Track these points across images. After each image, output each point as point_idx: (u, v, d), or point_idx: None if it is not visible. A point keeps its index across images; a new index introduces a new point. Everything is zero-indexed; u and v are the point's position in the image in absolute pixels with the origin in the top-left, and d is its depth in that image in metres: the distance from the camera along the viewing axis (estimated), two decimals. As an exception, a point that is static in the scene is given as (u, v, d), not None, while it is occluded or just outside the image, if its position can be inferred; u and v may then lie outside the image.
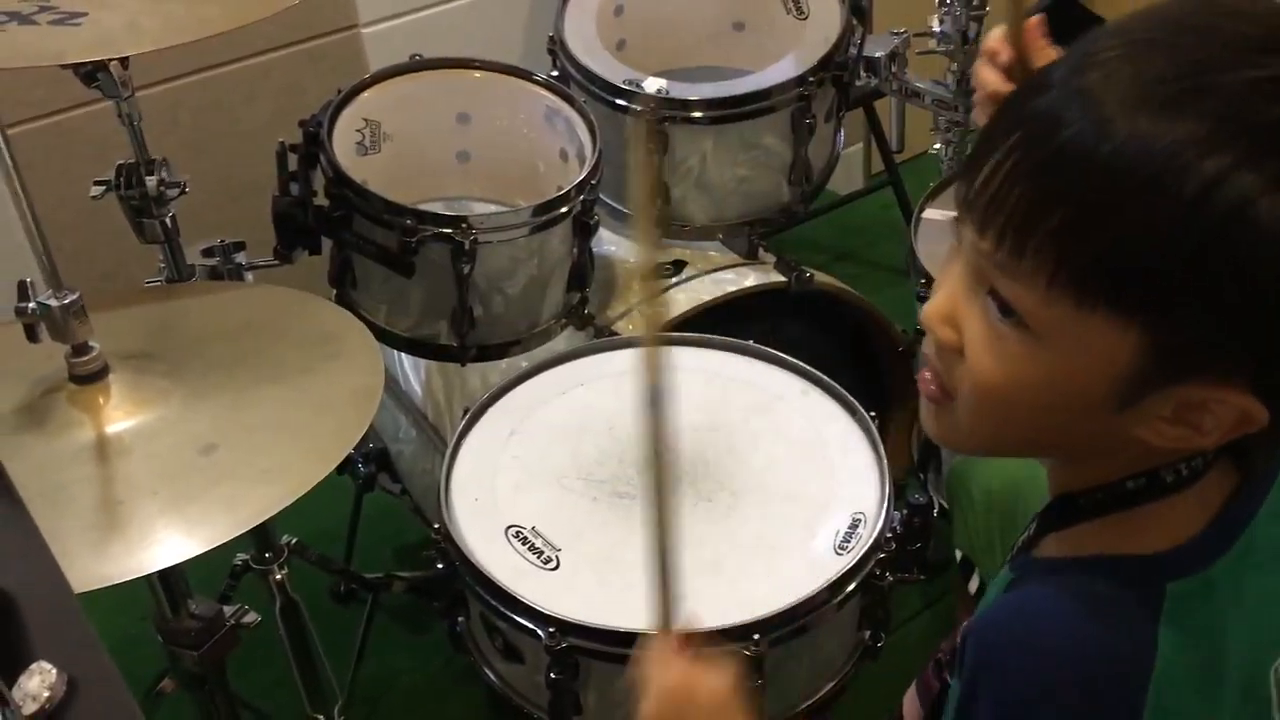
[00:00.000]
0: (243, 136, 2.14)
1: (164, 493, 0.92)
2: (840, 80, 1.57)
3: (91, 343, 0.96)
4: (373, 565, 1.93)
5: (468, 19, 2.35)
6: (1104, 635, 0.68)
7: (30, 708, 0.62)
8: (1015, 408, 0.69)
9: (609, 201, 1.64)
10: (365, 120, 1.45)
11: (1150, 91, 0.60)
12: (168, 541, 0.90)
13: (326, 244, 1.46)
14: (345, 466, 1.87)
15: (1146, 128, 0.59)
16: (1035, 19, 0.93)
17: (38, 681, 0.63)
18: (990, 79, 0.92)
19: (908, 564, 1.24)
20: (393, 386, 1.79)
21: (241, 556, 1.60)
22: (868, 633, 1.22)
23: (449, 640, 1.26)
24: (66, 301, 0.92)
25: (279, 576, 1.53)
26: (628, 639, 1.08)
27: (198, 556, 1.13)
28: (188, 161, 2.11)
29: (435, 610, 1.27)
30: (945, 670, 1.00)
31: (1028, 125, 0.63)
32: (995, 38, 0.94)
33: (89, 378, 0.96)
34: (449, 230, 1.34)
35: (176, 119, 2.11)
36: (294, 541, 1.61)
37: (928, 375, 0.73)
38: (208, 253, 1.45)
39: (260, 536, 1.55)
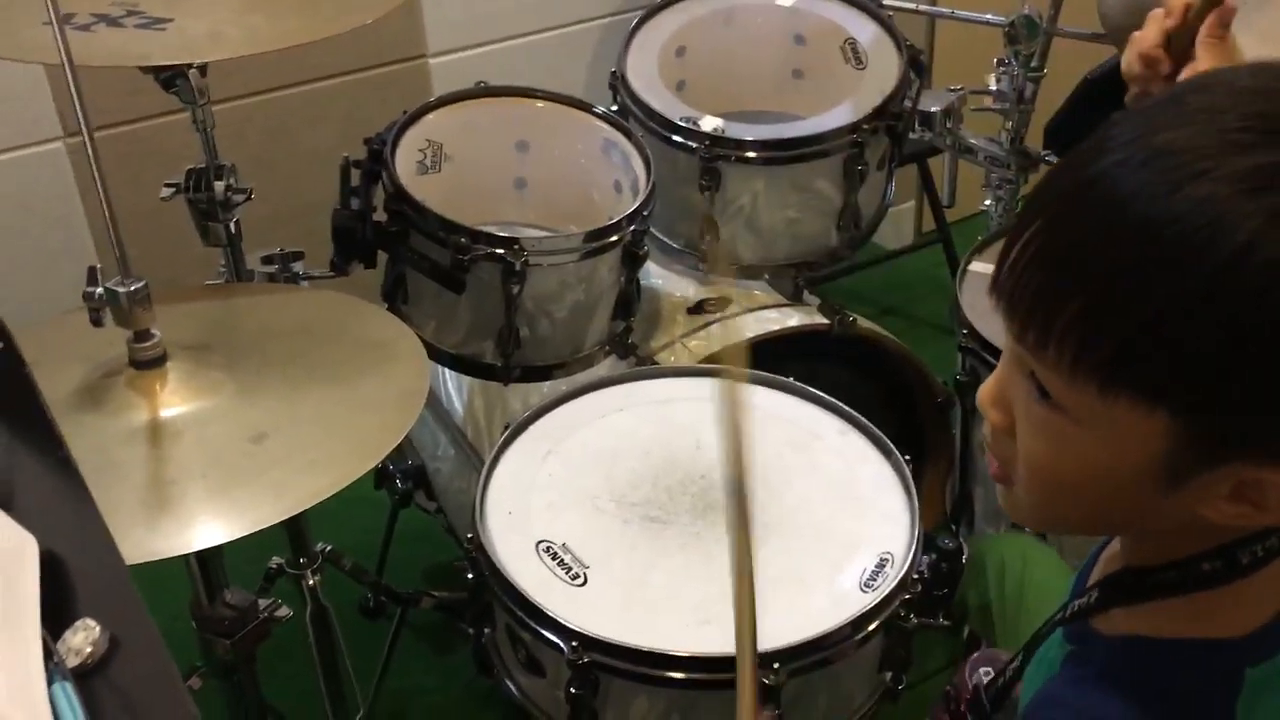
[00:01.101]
0: (307, 156, 2.21)
1: (213, 476, 0.95)
2: (894, 130, 1.59)
3: (153, 330, 1.00)
4: (404, 582, 1.95)
5: (533, 54, 2.41)
6: None
7: (73, 661, 0.64)
8: (1067, 488, 0.69)
9: (659, 235, 1.67)
10: (428, 141, 1.50)
11: (1179, 165, 0.59)
12: (213, 522, 0.93)
13: (381, 259, 1.50)
14: (382, 481, 1.90)
15: (1176, 199, 0.58)
16: (1223, 11, 0.93)
17: (82, 637, 0.66)
18: (1149, 36, 0.94)
19: (933, 609, 1.24)
20: (435, 404, 1.82)
21: (276, 560, 1.63)
22: (889, 674, 1.22)
23: (473, 651, 1.28)
24: (132, 289, 0.96)
25: (311, 582, 1.56)
26: (649, 658, 1.09)
27: (234, 556, 1.17)
28: (252, 177, 2.18)
29: (462, 628, 1.28)
30: (959, 706, 1.00)
31: (1050, 210, 0.63)
32: (1179, 6, 0.95)
33: (148, 364, 1.00)
34: (501, 251, 1.37)
35: (245, 135, 2.18)
36: (329, 549, 1.64)
37: (989, 457, 0.74)
38: (267, 260, 1.50)
39: (296, 541, 1.58)
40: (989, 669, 1.12)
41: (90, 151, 0.89)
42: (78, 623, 0.66)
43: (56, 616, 0.66)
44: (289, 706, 1.71)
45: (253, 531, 0.92)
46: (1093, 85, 1.78)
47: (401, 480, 1.86)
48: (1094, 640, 0.75)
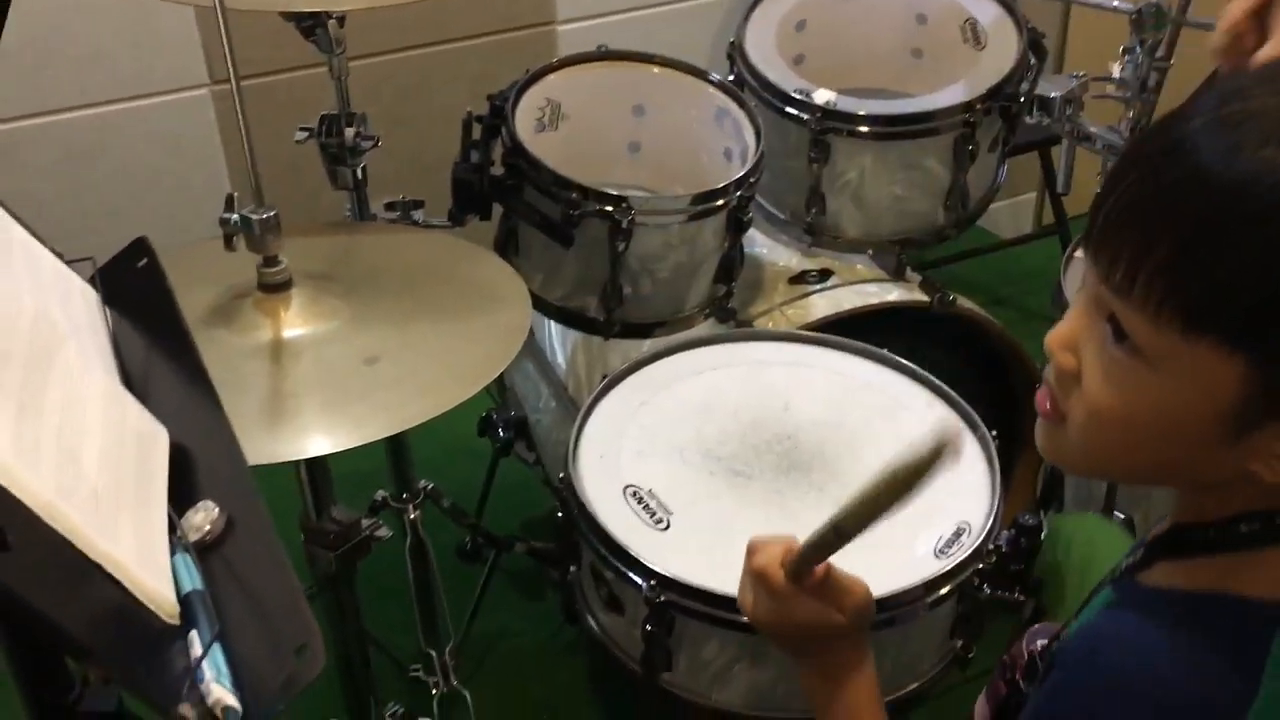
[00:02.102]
0: (435, 114, 2.29)
1: (328, 393, 1.03)
2: (1008, 112, 1.60)
3: (280, 257, 1.07)
4: (501, 527, 2.02)
5: (657, 25, 2.46)
6: (1206, 674, 0.69)
7: (194, 536, 0.71)
8: (1127, 434, 0.71)
9: (766, 205, 1.70)
10: (547, 100, 1.55)
11: (1262, 128, 0.62)
12: (326, 433, 1.01)
13: (495, 213, 1.57)
14: (486, 430, 1.98)
15: (1266, 158, 0.61)
16: None
17: (202, 516, 0.73)
18: (1236, 10, 0.96)
19: (1009, 583, 1.26)
20: (539, 358, 1.88)
21: (381, 493, 1.72)
22: (959, 642, 1.24)
23: (558, 586, 1.34)
24: (264, 216, 1.04)
25: (413, 515, 1.64)
26: (723, 601, 1.13)
27: (343, 486, 1.24)
28: (383, 132, 2.27)
29: (553, 576, 1.34)
30: (1014, 674, 1.02)
31: (1152, 157, 0.66)
32: None
33: (275, 287, 1.08)
34: (609, 208, 1.42)
35: (379, 91, 2.27)
36: (430, 486, 1.72)
37: (1042, 394, 0.76)
38: (389, 206, 1.57)
39: (400, 476, 1.66)
40: (1044, 640, 1.14)
41: (234, 86, 0.96)
42: (199, 504, 0.74)
43: (181, 497, 0.74)
44: (386, 635, 1.80)
45: (361, 444, 0.99)
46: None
47: (504, 429, 1.93)
48: (1133, 590, 0.78)
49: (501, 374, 1.98)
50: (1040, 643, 1.12)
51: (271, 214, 1.05)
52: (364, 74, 2.22)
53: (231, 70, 0.98)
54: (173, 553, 0.70)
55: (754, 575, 0.91)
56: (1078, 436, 0.73)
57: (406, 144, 2.22)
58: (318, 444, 0.98)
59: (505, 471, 2.04)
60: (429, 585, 1.68)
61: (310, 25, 1.35)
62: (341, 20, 1.37)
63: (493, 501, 2.09)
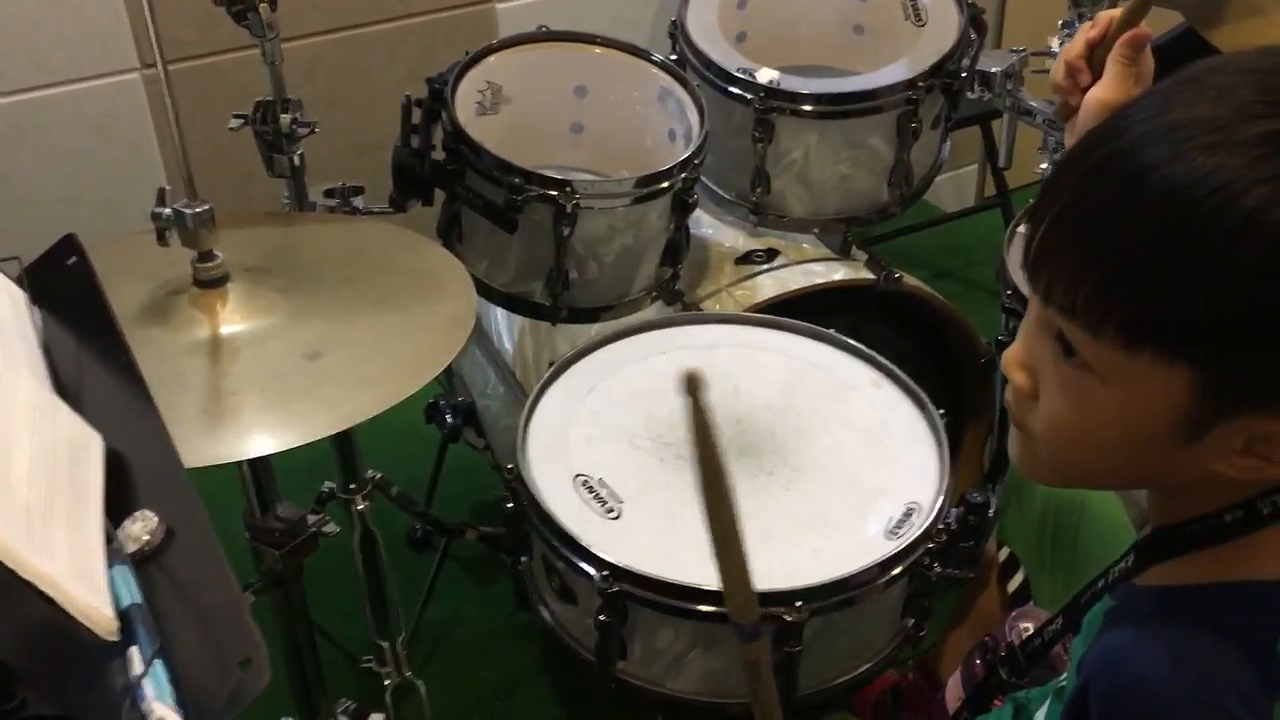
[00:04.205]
0: (373, 96, 2.25)
1: (269, 390, 1.00)
2: (949, 89, 1.60)
3: (216, 251, 1.05)
4: (450, 515, 2.01)
5: (600, 2, 2.43)
6: (1220, 671, 0.70)
7: (132, 547, 0.69)
8: (1089, 447, 0.72)
9: (711, 186, 1.69)
10: (488, 83, 1.53)
11: (1190, 137, 0.62)
12: (268, 432, 0.99)
13: (438, 198, 1.54)
14: (433, 416, 1.96)
15: (1188, 167, 0.62)
16: (1135, 35, 0.96)
17: (140, 526, 0.71)
18: (1075, 46, 0.97)
19: (958, 560, 1.27)
20: (486, 343, 1.87)
21: (329, 484, 1.69)
22: (910, 621, 1.25)
23: (510, 576, 1.33)
24: (198, 210, 1.01)
25: (361, 506, 1.62)
26: (676, 590, 1.13)
27: (288, 479, 1.22)
28: (320, 114, 2.22)
29: (504, 561, 1.33)
30: (994, 657, 1.03)
31: (1075, 184, 0.67)
32: (1104, 19, 0.98)
33: (211, 283, 1.05)
34: (553, 192, 1.40)
35: (315, 73, 2.22)
36: (378, 476, 1.69)
37: (1010, 413, 0.77)
38: (329, 193, 1.54)
39: (347, 467, 1.64)
40: (1029, 625, 1.15)
41: (163, 75, 0.93)
42: (137, 513, 0.71)
43: (118, 507, 0.72)
44: (336, 628, 1.78)
45: (305, 443, 0.97)
46: (1164, 50, 1.76)
47: (451, 416, 1.92)
48: (1133, 594, 0.79)
49: (448, 359, 1.98)
50: (1023, 628, 1.14)
51: (205, 208, 1.02)
52: (299, 55, 2.18)
53: (159, 55, 0.95)
54: (110, 565, 0.68)
55: None
56: (1045, 453, 0.75)
57: (345, 127, 2.18)
58: (260, 444, 0.96)
59: (454, 457, 2.03)
60: (379, 576, 1.66)
61: (241, 10, 1.32)
62: (274, 3, 1.34)
63: (442, 487, 2.08)
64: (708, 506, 0.64)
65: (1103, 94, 0.95)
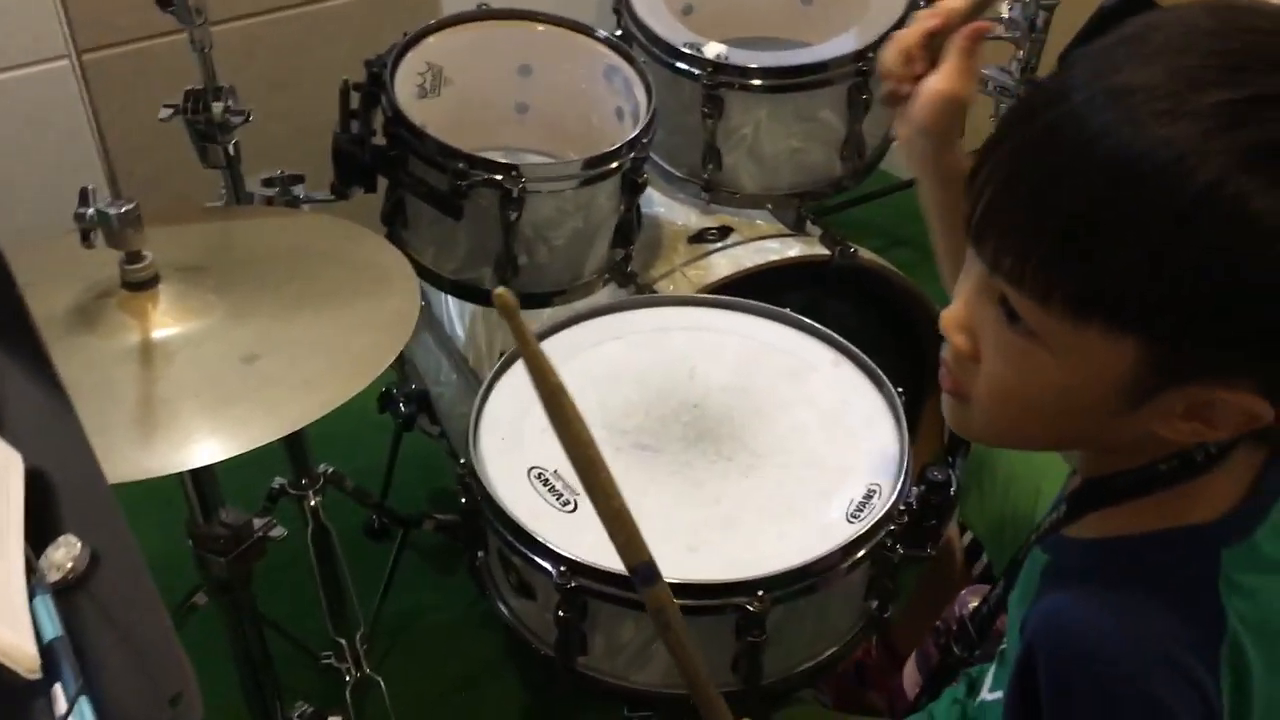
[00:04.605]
0: (316, 77, 2.18)
1: (205, 396, 0.97)
2: (900, 58, 1.57)
3: (145, 251, 1.00)
4: (408, 505, 1.98)
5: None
6: (1167, 622, 0.70)
7: (54, 576, 0.66)
8: (1029, 411, 0.72)
9: (661, 163, 1.66)
10: (428, 64, 1.48)
11: (1142, 104, 0.61)
12: (206, 441, 0.95)
13: (381, 184, 1.50)
14: (386, 405, 1.92)
15: (1142, 137, 0.61)
16: (978, 27, 0.94)
17: (63, 553, 0.67)
18: (911, 33, 0.95)
19: (921, 540, 1.25)
20: (437, 329, 1.83)
21: (279, 480, 1.66)
22: (874, 603, 1.24)
23: (468, 572, 1.30)
24: (123, 210, 0.97)
25: (313, 502, 1.59)
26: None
27: (238, 476, 1.18)
28: (261, 97, 2.16)
29: (462, 549, 1.31)
30: (947, 640, 1.02)
31: (1020, 150, 0.66)
32: (945, 8, 0.95)
33: (140, 285, 1.01)
34: (499, 177, 1.37)
35: (254, 54, 2.17)
36: (330, 470, 1.66)
37: (944, 374, 0.76)
38: (267, 182, 1.49)
39: (298, 462, 1.60)
40: (975, 602, 1.14)
41: (78, 76, 0.89)
42: (60, 539, 0.68)
43: (40, 532, 0.68)
44: (295, 623, 1.75)
45: (245, 451, 0.94)
46: (1109, 15, 1.74)
47: (405, 404, 1.88)
48: (1068, 548, 0.79)
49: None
50: (971, 605, 1.12)
51: (131, 206, 0.97)
52: (237, 37, 2.12)
53: (70, 43, 0.90)
54: (31, 596, 0.64)
55: None
56: (982, 414, 0.74)
57: (286, 111, 2.12)
58: (195, 455, 0.92)
59: (410, 444, 1.99)
60: (334, 572, 1.63)
61: (166, -4, 1.27)
62: (201, -12, 1.29)
63: (399, 476, 2.04)
64: (560, 434, 0.63)
65: (942, 85, 0.93)
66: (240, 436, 0.94)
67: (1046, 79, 0.68)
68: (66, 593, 0.66)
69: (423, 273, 1.51)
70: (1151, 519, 0.74)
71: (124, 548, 0.68)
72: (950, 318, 0.73)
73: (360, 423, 1.96)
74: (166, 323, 1.01)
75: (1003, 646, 0.97)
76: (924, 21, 0.96)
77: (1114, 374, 0.66)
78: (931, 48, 0.95)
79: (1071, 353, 0.66)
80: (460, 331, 1.78)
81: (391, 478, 2.02)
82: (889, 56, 0.97)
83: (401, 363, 1.95)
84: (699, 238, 1.64)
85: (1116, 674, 0.69)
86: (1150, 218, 0.61)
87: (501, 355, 1.35)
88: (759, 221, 1.68)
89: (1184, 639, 0.69)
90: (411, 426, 1.92)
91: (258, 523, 1.13)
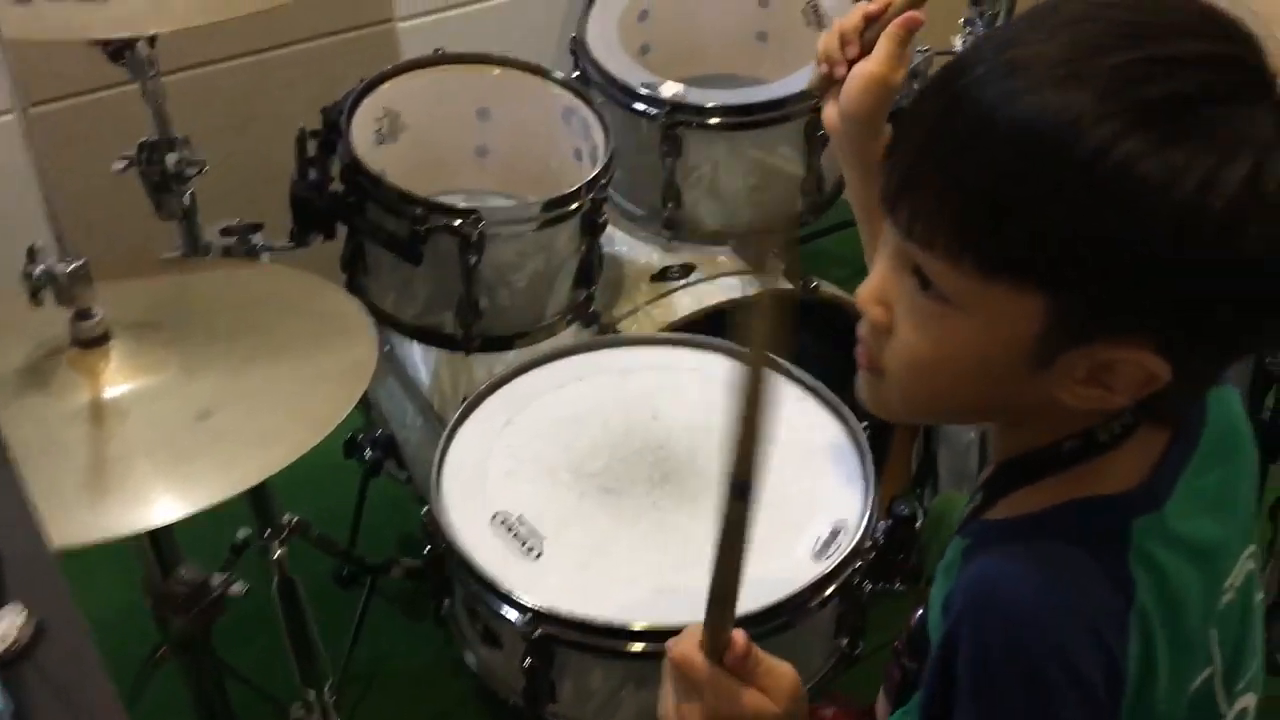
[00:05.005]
0: (277, 122, 2.16)
1: (159, 455, 0.95)
2: (855, 94, 1.58)
3: (95, 308, 0.99)
4: (377, 550, 1.95)
5: (503, 16, 2.38)
6: (1080, 583, 0.71)
7: (-1, 647, 0.64)
8: (942, 377, 0.73)
9: (623, 202, 1.66)
10: (385, 110, 1.48)
11: (1042, 72, 0.64)
12: (160, 501, 0.94)
13: (341, 230, 1.49)
14: (352, 451, 1.90)
15: (1039, 102, 0.64)
16: (911, 18, 0.96)
17: (8, 623, 0.66)
18: (850, 19, 0.98)
19: (889, 574, 1.25)
20: (401, 374, 1.82)
21: (244, 532, 1.63)
22: (845, 640, 1.23)
23: (435, 621, 1.28)
24: (71, 268, 0.96)
25: (278, 554, 1.56)
26: (603, 630, 1.10)
27: (201, 529, 1.17)
28: (221, 143, 2.15)
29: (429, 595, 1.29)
30: (903, 658, 1.01)
31: (928, 120, 0.69)
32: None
33: (91, 342, 1.00)
34: (458, 222, 1.36)
35: (210, 103, 2.15)
36: (295, 520, 1.64)
37: (861, 348, 0.78)
38: (225, 232, 1.48)
39: (262, 513, 1.58)
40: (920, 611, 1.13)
41: (22, 129, 0.88)
42: (5, 608, 0.66)
43: (-16, 603, 0.67)
44: (262, 675, 1.72)
45: (198, 510, 0.92)
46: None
47: (371, 449, 1.87)
48: (984, 529, 0.80)
49: (366, 392, 1.93)
50: (919, 615, 1.12)
51: (79, 264, 0.96)
52: (195, 84, 2.11)
53: (20, 113, 0.89)
54: (-26, 669, 0.63)
55: (674, 669, 0.81)
56: (896, 386, 0.76)
57: (249, 155, 2.10)
58: (150, 514, 0.91)
59: (378, 488, 1.97)
60: (301, 624, 1.61)
61: (117, 49, 1.26)
62: (152, 41, 1.28)
63: (367, 520, 2.01)
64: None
65: (874, 67, 0.95)
66: (195, 495, 0.93)
67: (958, 53, 0.71)
68: (12, 663, 0.64)
69: (384, 318, 1.50)
70: (1058, 494, 0.75)
71: (69, 617, 0.67)
72: (865, 291, 0.75)
73: (327, 468, 1.95)
74: (118, 380, 0.99)
75: None
76: (862, 8, 0.98)
77: (1023, 330, 0.68)
78: (867, 35, 0.97)
79: (982, 312, 0.68)
80: (425, 375, 1.77)
81: (360, 523, 2.00)
82: (826, 40, 1.00)
83: (367, 407, 1.94)
84: (661, 276, 1.64)
85: (1035, 634, 0.70)
86: (1049, 180, 0.63)
87: (464, 400, 1.34)
88: (721, 258, 1.68)
89: (1097, 602, 0.71)
90: (378, 472, 1.90)
91: (216, 579, 1.12)
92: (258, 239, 1.49)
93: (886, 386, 0.76)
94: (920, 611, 1.05)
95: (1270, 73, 0.65)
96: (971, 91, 0.67)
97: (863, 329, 0.76)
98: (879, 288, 0.74)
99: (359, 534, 1.99)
